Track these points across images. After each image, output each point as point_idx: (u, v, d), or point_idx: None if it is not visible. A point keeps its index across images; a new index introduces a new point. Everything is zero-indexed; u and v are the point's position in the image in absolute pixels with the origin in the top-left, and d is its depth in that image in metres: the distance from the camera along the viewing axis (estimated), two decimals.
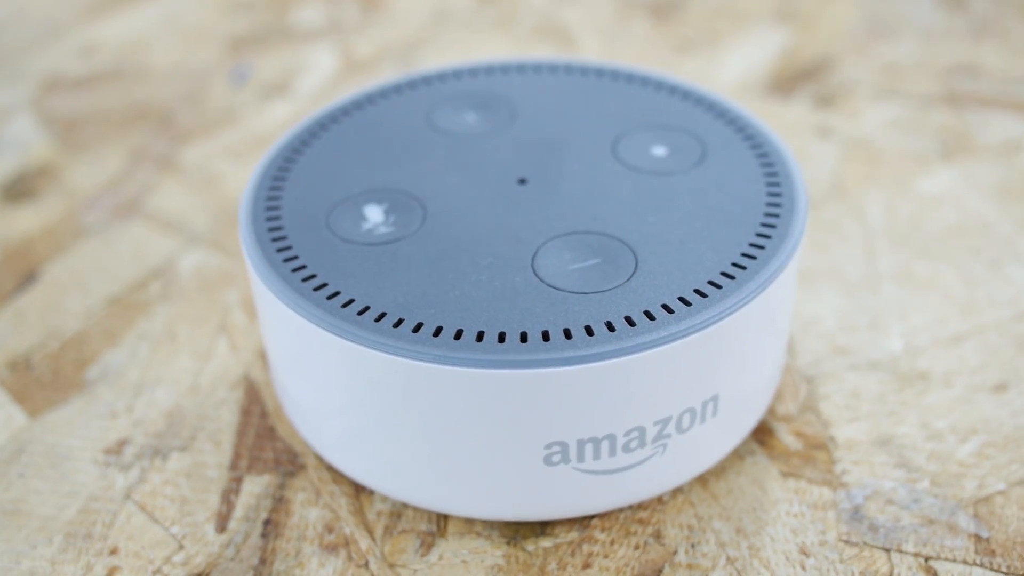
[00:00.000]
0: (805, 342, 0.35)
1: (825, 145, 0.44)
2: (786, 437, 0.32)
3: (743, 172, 0.31)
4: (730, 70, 0.50)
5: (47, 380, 0.35)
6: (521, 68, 0.36)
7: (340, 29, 0.55)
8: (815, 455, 0.31)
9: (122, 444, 0.32)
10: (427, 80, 0.36)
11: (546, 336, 0.26)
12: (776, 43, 0.52)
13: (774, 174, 0.31)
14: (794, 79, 0.49)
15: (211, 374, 0.35)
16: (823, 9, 0.55)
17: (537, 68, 0.36)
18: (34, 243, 0.41)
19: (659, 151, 0.32)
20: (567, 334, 0.26)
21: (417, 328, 0.26)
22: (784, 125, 0.46)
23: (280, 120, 0.47)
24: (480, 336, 0.26)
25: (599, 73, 0.36)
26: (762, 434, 0.32)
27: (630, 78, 0.36)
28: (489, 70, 0.36)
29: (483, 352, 0.25)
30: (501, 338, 0.26)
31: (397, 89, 0.36)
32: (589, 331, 0.26)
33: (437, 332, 0.26)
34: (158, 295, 0.38)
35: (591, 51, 0.52)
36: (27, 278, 0.39)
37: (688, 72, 0.50)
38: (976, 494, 0.30)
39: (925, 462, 0.31)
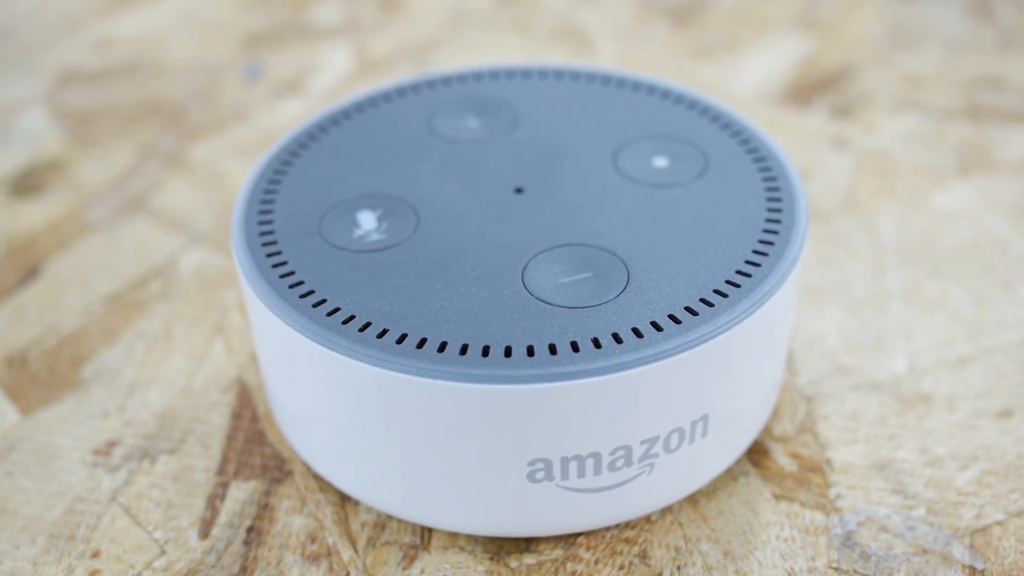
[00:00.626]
0: (807, 360, 0.34)
1: (840, 157, 0.44)
2: (781, 458, 0.31)
3: (745, 186, 0.31)
4: (747, 78, 0.49)
5: (42, 378, 0.35)
6: (527, 73, 0.36)
7: (357, 28, 0.55)
8: (810, 478, 0.31)
9: (111, 445, 0.32)
10: (431, 84, 0.36)
11: (531, 351, 0.25)
12: (796, 51, 0.52)
13: (776, 189, 0.30)
14: (812, 88, 0.48)
15: (205, 376, 0.34)
16: (847, 17, 0.54)
17: (543, 74, 0.36)
18: (39, 238, 0.40)
19: (660, 162, 0.32)
20: (552, 349, 0.25)
21: (401, 339, 0.26)
22: (799, 135, 0.45)
23: (291, 118, 0.47)
24: (464, 349, 0.26)
25: (606, 80, 0.35)
26: (757, 454, 0.31)
27: (637, 86, 0.35)
28: (494, 75, 0.36)
29: (465, 366, 0.25)
30: (485, 352, 0.25)
31: (400, 92, 0.35)
32: (575, 347, 0.26)
33: (421, 344, 0.26)
34: (158, 294, 0.38)
35: (607, 55, 0.52)
36: (29, 273, 0.39)
37: (705, 79, 0.49)
38: (973, 524, 0.29)
39: (922, 489, 0.30)
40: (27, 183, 0.44)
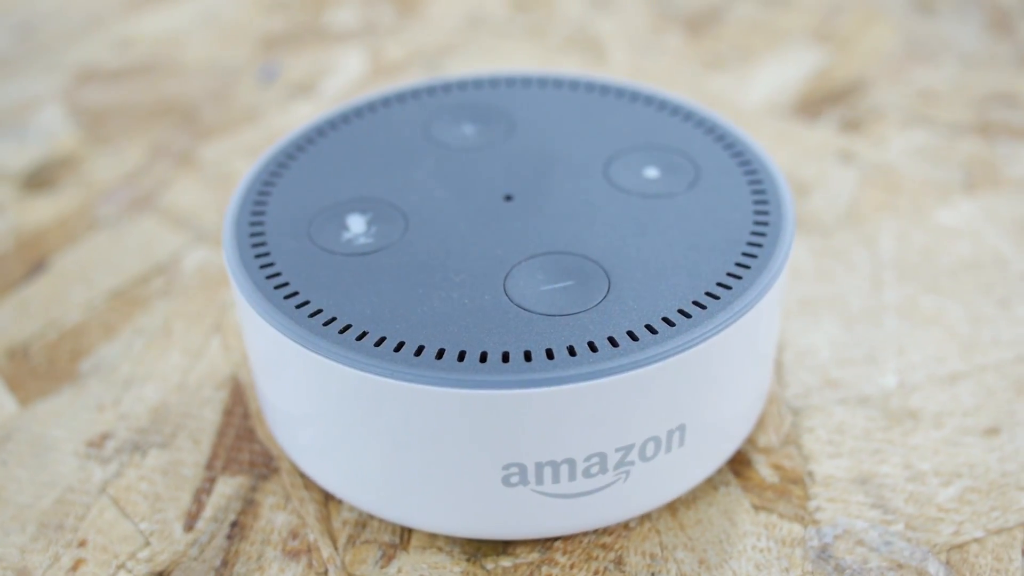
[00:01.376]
0: (797, 373, 0.34)
1: (845, 170, 0.44)
2: (763, 469, 0.31)
3: (733, 198, 0.31)
4: (759, 89, 0.50)
5: (42, 370, 0.35)
6: (526, 82, 0.36)
7: (373, 32, 0.55)
8: (791, 489, 0.31)
9: (104, 437, 0.33)
10: (431, 90, 0.36)
11: (506, 357, 0.26)
12: (810, 63, 0.52)
13: (765, 202, 0.31)
14: (823, 101, 0.48)
15: (200, 372, 0.35)
16: (863, 30, 0.54)
17: (543, 82, 0.36)
18: (47, 233, 0.41)
19: (651, 173, 0.32)
20: (527, 356, 0.26)
21: (380, 342, 0.26)
22: (807, 148, 0.45)
23: (301, 120, 0.47)
24: (440, 354, 0.26)
25: (604, 90, 0.36)
26: (739, 464, 0.31)
27: (635, 96, 0.35)
28: (494, 82, 0.36)
29: (439, 370, 0.25)
30: (461, 357, 0.26)
31: (400, 97, 0.36)
32: (550, 354, 0.26)
33: (399, 347, 0.26)
34: (159, 291, 0.38)
35: (620, 64, 0.52)
36: (36, 267, 0.39)
37: (716, 89, 0.49)
38: (951, 540, 0.29)
39: (903, 504, 0.30)
40: (40, 179, 0.44)
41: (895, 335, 0.36)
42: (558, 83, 0.36)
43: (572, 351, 0.26)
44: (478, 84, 0.36)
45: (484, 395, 0.25)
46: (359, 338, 0.26)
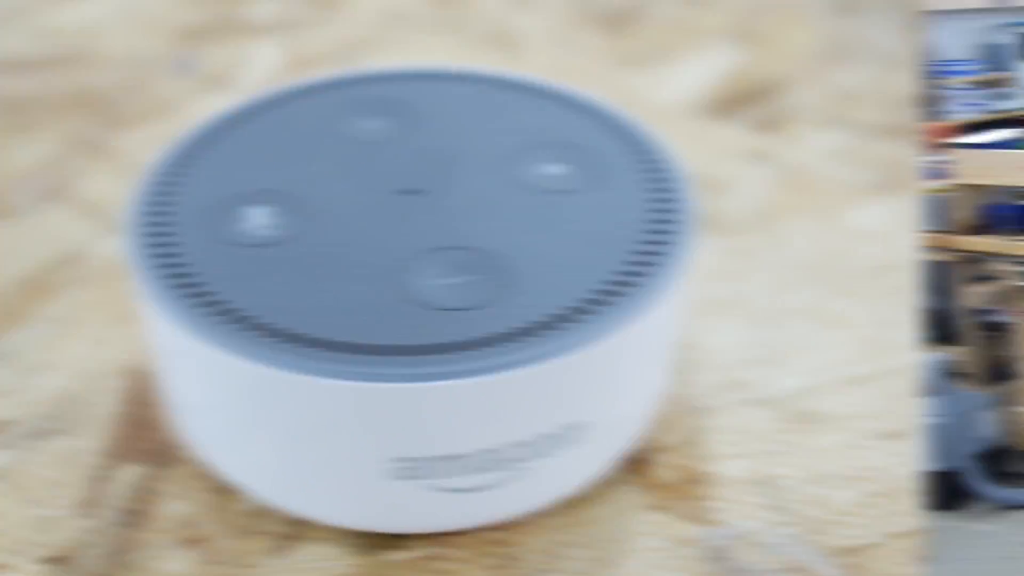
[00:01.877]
0: (699, 373, 0.35)
1: (757, 170, 0.44)
2: (662, 469, 0.31)
3: (637, 196, 0.31)
4: (673, 87, 0.50)
5: None
6: (435, 76, 0.36)
7: (291, 25, 0.55)
8: (688, 490, 0.31)
9: (7, 424, 0.32)
10: (341, 83, 0.36)
11: (400, 351, 0.26)
12: (728, 63, 0.52)
13: (668, 200, 0.31)
14: (738, 100, 0.49)
15: (105, 361, 0.35)
16: (784, 30, 0.55)
17: (451, 77, 0.36)
18: None
19: (556, 169, 0.32)
20: (418, 350, 0.26)
21: (274, 333, 0.26)
22: (720, 147, 0.45)
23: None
24: (331, 346, 0.26)
25: (515, 86, 0.36)
26: (638, 464, 0.31)
27: (543, 93, 0.35)
28: (404, 76, 0.36)
29: (332, 362, 0.25)
30: (352, 349, 0.26)
31: (308, 90, 0.35)
32: (441, 349, 0.26)
33: (293, 338, 0.26)
34: (68, 279, 0.38)
35: (537, 61, 0.52)
36: None
37: (631, 87, 0.49)
38: (848, 544, 0.29)
39: (801, 506, 0.30)
40: None
41: (800, 337, 0.36)
42: (466, 78, 0.36)
43: (466, 346, 0.26)
44: (386, 78, 0.36)
45: (376, 388, 0.25)
46: (253, 329, 0.26)
